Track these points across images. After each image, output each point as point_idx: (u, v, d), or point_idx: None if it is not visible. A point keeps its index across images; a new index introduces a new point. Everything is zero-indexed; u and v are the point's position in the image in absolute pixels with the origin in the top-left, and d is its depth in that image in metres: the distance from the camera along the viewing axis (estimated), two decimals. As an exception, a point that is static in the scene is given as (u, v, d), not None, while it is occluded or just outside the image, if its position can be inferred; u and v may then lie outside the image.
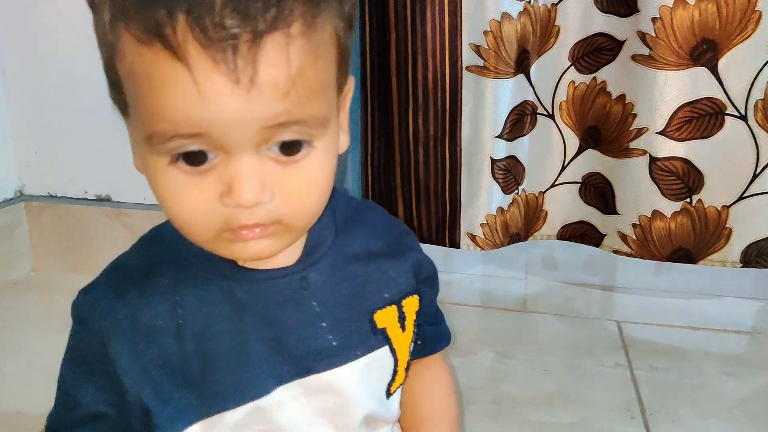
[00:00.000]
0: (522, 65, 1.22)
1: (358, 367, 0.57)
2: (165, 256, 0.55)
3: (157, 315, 0.53)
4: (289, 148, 0.46)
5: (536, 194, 1.32)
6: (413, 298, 0.61)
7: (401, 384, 0.63)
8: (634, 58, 1.16)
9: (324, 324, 0.56)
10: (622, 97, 1.20)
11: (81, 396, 0.54)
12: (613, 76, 1.20)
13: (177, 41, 0.41)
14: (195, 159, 0.45)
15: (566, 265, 1.44)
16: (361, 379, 0.57)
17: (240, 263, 0.54)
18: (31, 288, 1.35)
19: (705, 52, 1.11)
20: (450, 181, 1.27)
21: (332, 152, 0.50)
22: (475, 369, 1.05)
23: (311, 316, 0.55)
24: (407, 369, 0.63)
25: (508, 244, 1.32)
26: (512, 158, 1.27)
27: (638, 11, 1.13)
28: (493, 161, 1.25)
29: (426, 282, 0.65)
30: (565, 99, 1.26)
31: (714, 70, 1.12)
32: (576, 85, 1.24)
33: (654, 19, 1.11)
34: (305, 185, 0.48)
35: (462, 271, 1.39)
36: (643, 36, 1.13)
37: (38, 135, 1.41)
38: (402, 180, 1.30)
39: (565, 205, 1.31)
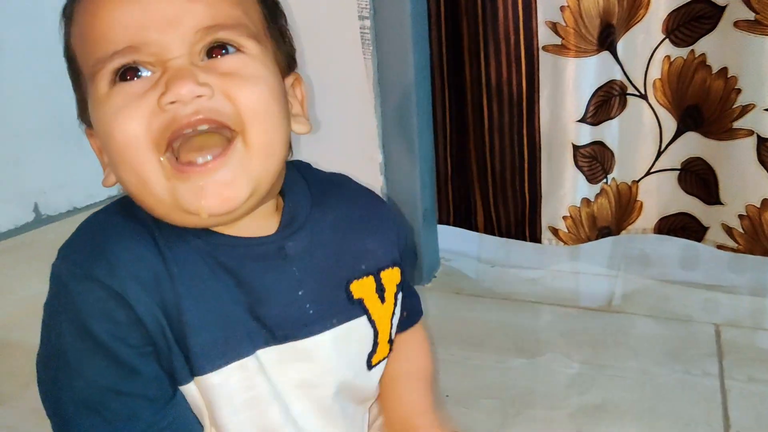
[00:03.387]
0: (606, 41, 1.11)
1: (334, 335, 0.57)
2: (141, 216, 0.52)
3: (152, 266, 0.50)
4: (217, 54, 0.49)
5: (629, 184, 1.20)
6: (393, 270, 0.61)
7: (385, 357, 0.62)
8: (736, 24, 1.02)
9: (301, 292, 0.55)
10: (723, 70, 1.06)
11: (120, 354, 0.50)
12: (713, 47, 1.07)
13: None
14: (129, 75, 0.47)
15: (662, 262, 1.30)
16: (336, 348, 0.57)
17: (211, 226, 0.52)
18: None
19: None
20: (529, 171, 1.18)
21: (272, 76, 0.51)
22: (541, 372, 0.96)
23: (290, 283, 0.55)
24: (391, 342, 0.62)
25: (597, 239, 1.21)
26: (598, 144, 1.16)
27: (737, -30, 0.99)
28: (576, 148, 1.14)
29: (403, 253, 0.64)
30: (659, 76, 1.13)
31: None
32: (672, 60, 1.11)
33: (755, -22, 0.97)
34: (245, 85, 0.48)
35: (546, 267, 1.29)
36: (745, -2, 0.99)
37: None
38: (479, 172, 1.23)
39: (662, 195, 1.18)
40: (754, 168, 1.05)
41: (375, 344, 0.60)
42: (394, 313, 0.62)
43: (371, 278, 0.59)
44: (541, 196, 1.19)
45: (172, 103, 0.46)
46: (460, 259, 1.35)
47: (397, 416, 0.65)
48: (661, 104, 1.14)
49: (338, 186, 0.62)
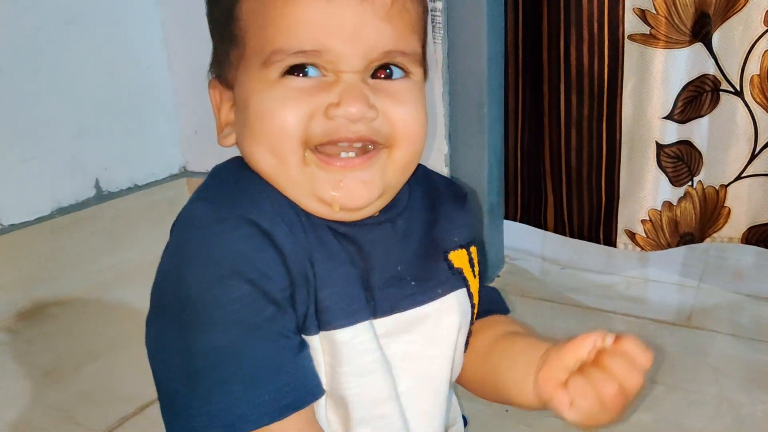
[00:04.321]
0: (701, 32, 1.01)
1: (440, 306, 0.57)
2: (255, 185, 0.52)
3: (289, 214, 0.51)
4: (382, 75, 0.50)
5: (716, 188, 1.10)
6: (474, 249, 0.62)
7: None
8: None
9: (400, 267, 0.56)
10: (832, 68, 0.95)
11: (272, 276, 0.48)
12: (822, 42, 0.96)
13: None
14: (298, 71, 0.49)
15: (756, 276, 1.19)
16: (440, 320, 0.57)
17: (328, 216, 0.52)
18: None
19: None
20: (607, 170, 1.11)
21: (425, 100, 0.53)
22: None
23: (392, 258, 0.55)
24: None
25: (678, 246, 1.12)
26: (685, 143, 1.07)
27: None
28: (660, 147, 1.06)
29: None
30: (757, 72, 1.03)
31: None
32: (773, 55, 1.01)
33: None
34: (405, 108, 0.50)
35: (619, 272, 1.20)
36: None
37: (199, 117, 1.46)
38: (552, 166, 1.15)
39: (753, 203, 1.09)
40: None
41: (472, 320, 0.60)
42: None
43: (464, 251, 0.60)
44: (618, 197, 1.11)
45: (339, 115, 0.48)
46: (526, 257, 1.28)
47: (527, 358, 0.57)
48: (758, 103, 1.04)
49: (423, 171, 0.62)
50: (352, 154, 0.49)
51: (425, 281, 0.56)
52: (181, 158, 1.51)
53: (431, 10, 1.07)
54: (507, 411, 0.85)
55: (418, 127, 0.52)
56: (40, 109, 1.25)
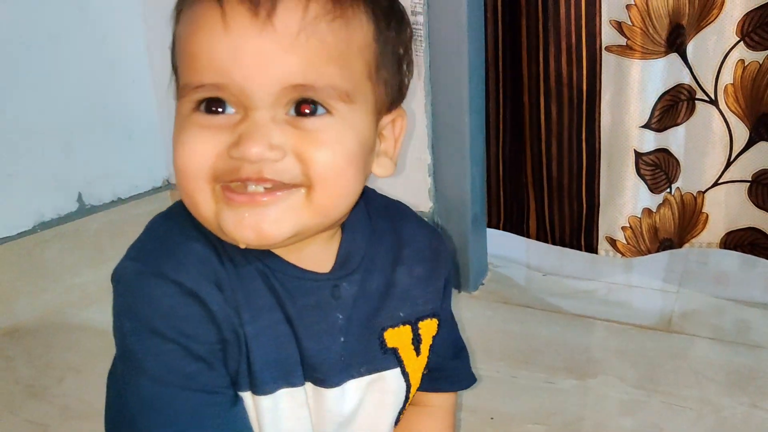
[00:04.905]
0: (675, 43, 1.04)
1: (360, 385, 0.54)
2: (196, 231, 0.50)
3: (216, 270, 0.50)
4: (306, 110, 0.46)
5: (694, 194, 1.12)
6: (431, 321, 0.58)
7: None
8: (821, 28, 0.94)
9: (342, 339, 0.53)
10: (804, 77, 0.98)
11: (195, 337, 0.48)
12: (793, 51, 0.99)
13: None
14: (214, 106, 0.46)
15: (732, 280, 1.22)
16: (363, 401, 0.55)
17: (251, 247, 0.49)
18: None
19: None
20: (587, 178, 1.12)
21: (356, 137, 0.48)
22: (592, 396, 0.91)
23: (334, 328, 0.53)
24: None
25: (657, 252, 1.14)
26: (663, 151, 1.09)
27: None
28: (639, 155, 1.08)
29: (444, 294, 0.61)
30: (731, 81, 1.05)
31: None
32: (746, 64, 1.03)
33: None
34: (321, 149, 0.46)
35: (600, 279, 1.22)
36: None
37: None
38: (533, 176, 1.17)
39: (730, 208, 1.11)
40: (834, 183, 0.98)
41: (406, 400, 0.57)
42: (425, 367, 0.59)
43: (408, 327, 0.57)
44: (599, 205, 1.12)
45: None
46: (509, 265, 1.29)
47: None
48: (732, 111, 1.07)
49: (400, 219, 0.59)
50: (260, 188, 0.45)
51: (354, 355, 0.54)
52: (164, 171, 1.50)
53: (413, 24, 1.08)
54: (492, 419, 0.86)
55: (336, 168, 0.47)
56: (23, 123, 1.24)
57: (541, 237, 1.20)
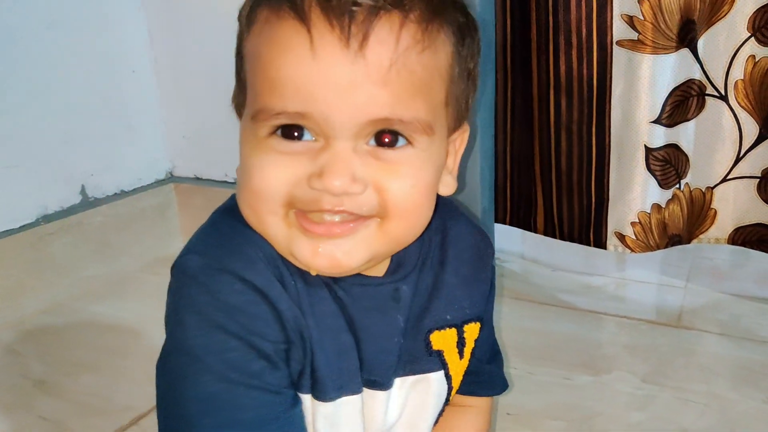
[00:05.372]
0: (686, 38, 1.03)
1: (405, 385, 0.54)
2: (249, 241, 0.50)
3: (282, 272, 0.49)
4: (387, 139, 0.45)
5: (703, 190, 1.12)
6: (475, 325, 0.58)
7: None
8: (834, 24, 0.94)
9: (396, 339, 0.54)
10: (815, 73, 0.98)
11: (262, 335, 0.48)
12: (805, 48, 0.99)
13: (303, 7, 0.43)
14: (292, 133, 0.45)
15: (739, 275, 1.22)
16: (406, 401, 0.55)
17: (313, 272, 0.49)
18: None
19: None
20: (597, 173, 1.12)
21: (433, 167, 0.48)
22: (607, 391, 0.91)
23: (394, 330, 0.53)
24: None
25: (666, 247, 1.14)
26: (673, 147, 1.09)
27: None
28: (649, 150, 1.08)
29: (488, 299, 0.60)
30: (741, 77, 1.05)
31: None
32: (757, 60, 1.03)
33: None
34: (401, 181, 0.46)
35: (608, 274, 1.22)
36: None
37: (186, 122, 1.45)
38: (542, 171, 1.17)
39: (739, 204, 1.11)
40: None
41: (446, 402, 0.57)
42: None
43: (454, 330, 0.56)
44: (608, 200, 1.12)
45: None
46: (515, 260, 1.29)
47: None
48: (742, 107, 1.06)
49: (449, 216, 0.58)
50: (336, 218, 0.46)
51: (403, 355, 0.54)
52: (168, 163, 1.50)
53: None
54: (509, 414, 0.86)
55: (414, 200, 0.47)
56: (25, 116, 1.23)
57: (549, 232, 1.20)
